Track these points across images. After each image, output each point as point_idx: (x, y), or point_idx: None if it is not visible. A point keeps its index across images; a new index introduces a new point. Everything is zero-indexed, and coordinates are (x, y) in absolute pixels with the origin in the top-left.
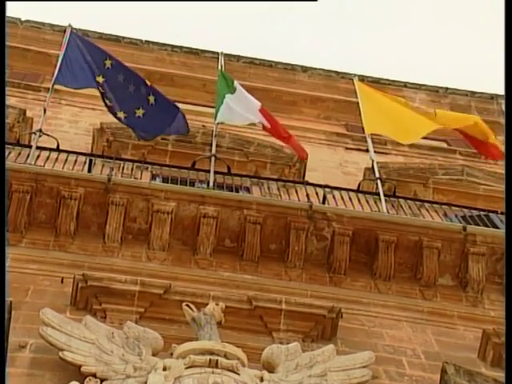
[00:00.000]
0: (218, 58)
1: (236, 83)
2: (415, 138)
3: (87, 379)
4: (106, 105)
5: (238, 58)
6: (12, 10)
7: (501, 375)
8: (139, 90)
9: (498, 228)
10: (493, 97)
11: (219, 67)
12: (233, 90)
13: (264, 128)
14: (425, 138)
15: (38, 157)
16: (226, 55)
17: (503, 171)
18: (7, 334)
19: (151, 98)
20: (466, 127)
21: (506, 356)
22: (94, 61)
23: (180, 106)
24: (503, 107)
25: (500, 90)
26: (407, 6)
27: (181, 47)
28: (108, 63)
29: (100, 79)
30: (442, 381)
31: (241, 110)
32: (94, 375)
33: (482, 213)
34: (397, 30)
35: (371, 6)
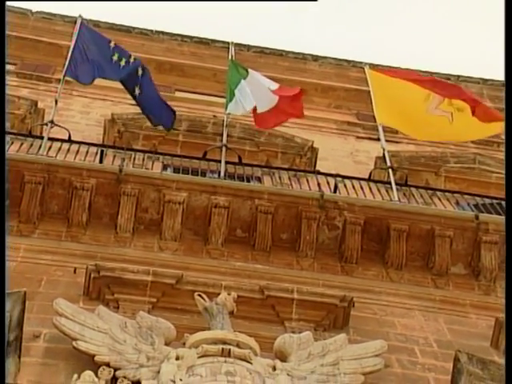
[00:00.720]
0: (228, 48)
1: (249, 70)
2: (426, 137)
3: (101, 368)
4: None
5: (249, 47)
6: (23, 2)
7: None
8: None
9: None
10: (505, 84)
11: (229, 57)
12: (245, 76)
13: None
14: None
15: (50, 148)
16: (237, 45)
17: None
18: (22, 325)
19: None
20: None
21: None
22: (101, 54)
23: (190, 96)
24: None
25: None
26: None
27: (191, 37)
28: (115, 57)
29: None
30: (454, 369)
31: (251, 97)
32: (108, 364)
33: (494, 201)
34: (408, 19)
35: None
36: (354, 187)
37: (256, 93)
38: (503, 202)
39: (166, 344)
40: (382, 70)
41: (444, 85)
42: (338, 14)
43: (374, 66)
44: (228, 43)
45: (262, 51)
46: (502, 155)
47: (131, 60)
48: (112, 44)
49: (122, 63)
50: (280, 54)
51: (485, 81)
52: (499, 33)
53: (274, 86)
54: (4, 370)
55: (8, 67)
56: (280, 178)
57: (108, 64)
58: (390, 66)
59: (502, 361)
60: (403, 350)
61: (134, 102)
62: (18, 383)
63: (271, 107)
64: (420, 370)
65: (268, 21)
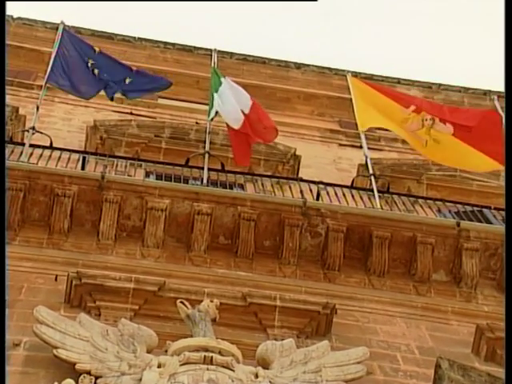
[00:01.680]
0: (211, 55)
1: (223, 80)
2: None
3: (82, 376)
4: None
5: (232, 54)
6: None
7: (494, 369)
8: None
9: (491, 223)
10: (485, 93)
11: (212, 64)
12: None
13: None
14: None
15: (31, 154)
16: (220, 52)
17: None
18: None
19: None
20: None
21: (506, 354)
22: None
23: (173, 103)
24: (496, 103)
25: (492, 85)
26: (400, 2)
27: (174, 44)
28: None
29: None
30: (436, 376)
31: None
32: (89, 372)
33: (475, 208)
34: (390, 27)
35: (364, 3)
36: (336, 194)
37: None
38: (484, 210)
39: (148, 352)
40: (365, 81)
41: (433, 105)
42: (320, 21)
43: (356, 74)
44: (211, 50)
45: (245, 58)
46: None
47: (127, 81)
48: (97, 50)
49: (104, 77)
50: (263, 62)
51: (466, 89)
52: (481, 42)
53: (247, 108)
54: (4, 369)
55: None
56: (263, 185)
57: (88, 76)
58: (373, 74)
59: (482, 367)
60: (385, 356)
61: (117, 108)
62: None
63: (238, 127)
64: (402, 376)
65: (251, 28)
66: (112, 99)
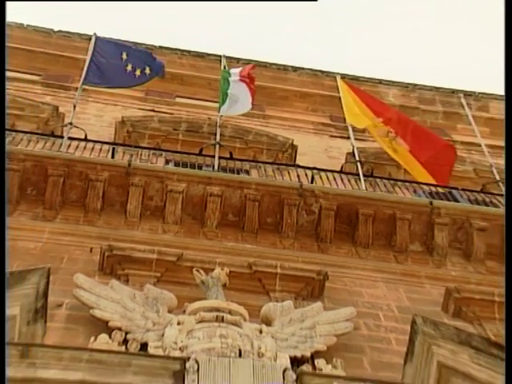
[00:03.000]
0: (220, 60)
1: (232, 73)
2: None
3: (114, 332)
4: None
5: (238, 59)
6: (46, 21)
7: (460, 324)
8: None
9: (458, 202)
10: (454, 91)
11: (221, 68)
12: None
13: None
14: None
15: (69, 146)
16: (228, 57)
17: (463, 154)
18: (47, 295)
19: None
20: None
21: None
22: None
23: (189, 101)
24: (462, 100)
25: (460, 84)
26: (382, 12)
27: (189, 51)
28: (129, 67)
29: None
30: (412, 330)
31: (240, 100)
32: (120, 329)
33: (445, 189)
34: (373, 33)
35: (351, 12)
36: (328, 178)
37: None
38: (453, 191)
39: (169, 312)
40: (350, 85)
41: (400, 120)
42: (314, 29)
43: (344, 76)
44: (220, 56)
45: (249, 63)
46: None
47: (147, 71)
48: (124, 56)
49: (138, 73)
50: (264, 66)
51: (437, 88)
52: (451, 43)
53: (237, 76)
54: (4, 369)
55: (34, 77)
56: (265, 170)
57: (121, 74)
58: (358, 76)
59: (450, 322)
60: (369, 315)
61: (141, 106)
62: (45, 343)
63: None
64: (383, 331)
65: (255, 35)
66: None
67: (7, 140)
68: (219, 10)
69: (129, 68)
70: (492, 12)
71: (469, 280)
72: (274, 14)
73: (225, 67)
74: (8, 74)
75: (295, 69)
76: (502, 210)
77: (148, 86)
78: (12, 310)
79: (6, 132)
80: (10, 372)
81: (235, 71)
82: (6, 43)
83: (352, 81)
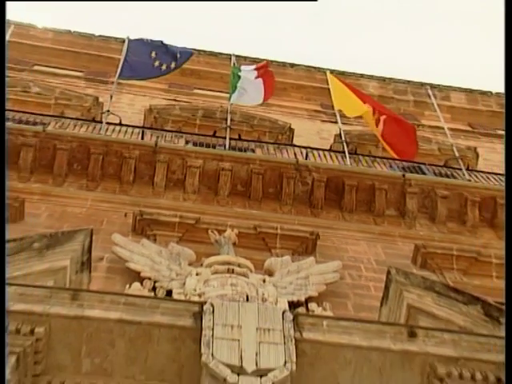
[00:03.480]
0: (230, 58)
1: (243, 70)
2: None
3: (145, 281)
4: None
5: (245, 58)
6: (88, 27)
7: (426, 274)
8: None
9: (426, 174)
10: (422, 84)
11: (232, 64)
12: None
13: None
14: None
15: (107, 129)
16: (236, 56)
17: (430, 136)
18: (90, 251)
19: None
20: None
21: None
22: (143, 62)
23: (205, 92)
24: (429, 91)
25: (427, 78)
26: (367, 14)
27: (205, 51)
28: (156, 63)
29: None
30: (387, 279)
31: (247, 94)
32: (149, 278)
33: (415, 164)
34: (356, 32)
35: (340, 14)
36: (319, 155)
37: (251, 89)
38: (421, 165)
39: (189, 265)
40: (339, 77)
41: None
42: (308, 29)
43: (332, 71)
44: (230, 55)
45: (254, 60)
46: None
47: (172, 65)
48: (153, 55)
49: (164, 67)
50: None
51: (408, 81)
52: (421, 41)
53: (253, 74)
54: (4, 368)
55: (78, 74)
56: (267, 149)
57: (149, 68)
58: (344, 71)
59: (418, 272)
60: (353, 267)
61: (165, 96)
62: (90, 289)
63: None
64: (364, 280)
65: (260, 36)
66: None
67: (57, 125)
68: (229, 12)
69: (156, 63)
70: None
71: (433, 238)
72: (275, 15)
73: (234, 64)
74: (57, 71)
75: (292, 65)
76: (460, 181)
77: (171, 80)
78: (63, 262)
79: (56, 118)
80: (63, 311)
81: (247, 68)
82: (56, 46)
83: (339, 75)
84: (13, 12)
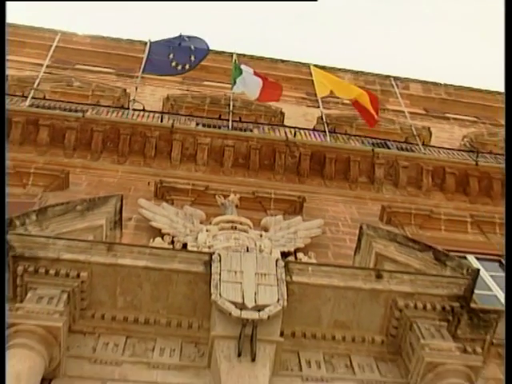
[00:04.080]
0: (232, 55)
1: (243, 69)
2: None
3: (165, 236)
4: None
5: (244, 55)
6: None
7: (390, 228)
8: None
9: (390, 149)
10: (387, 76)
11: (233, 61)
12: (240, 74)
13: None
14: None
15: (133, 114)
16: (238, 54)
17: (393, 118)
18: (121, 212)
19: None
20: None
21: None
22: (162, 61)
23: (212, 83)
24: (392, 82)
25: (391, 71)
26: (343, 13)
27: (211, 50)
28: (173, 63)
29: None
30: (359, 233)
31: (246, 86)
32: (169, 234)
33: (382, 141)
34: (335, 30)
35: (322, 14)
36: (305, 134)
37: (248, 83)
38: (387, 142)
39: (200, 223)
40: (323, 68)
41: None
42: (295, 28)
43: (316, 65)
44: (232, 53)
45: (252, 57)
46: (386, 116)
47: (187, 67)
48: (171, 56)
49: (179, 68)
50: (262, 58)
51: (376, 74)
52: (386, 35)
53: (251, 71)
54: (4, 368)
55: (110, 70)
56: (263, 129)
57: (167, 67)
58: (324, 66)
59: (384, 227)
60: (332, 224)
61: (180, 87)
62: (122, 242)
63: (260, 88)
64: (341, 234)
65: (255, 35)
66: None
67: (94, 112)
68: (232, 12)
69: (173, 64)
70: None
71: (396, 200)
72: (269, 16)
73: (235, 61)
74: (93, 68)
75: (282, 61)
76: (417, 154)
77: (184, 74)
78: (100, 221)
79: (93, 106)
80: (101, 259)
81: (245, 68)
82: (92, 49)
83: (320, 69)
84: (57, 20)
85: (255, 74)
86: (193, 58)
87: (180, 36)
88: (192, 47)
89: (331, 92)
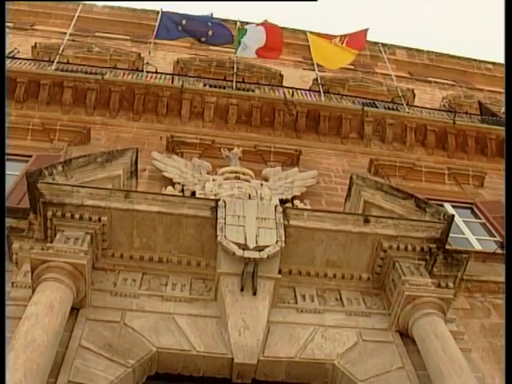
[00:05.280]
0: (236, 23)
1: (248, 27)
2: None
3: (176, 185)
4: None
5: (247, 23)
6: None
7: (377, 178)
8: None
9: (378, 108)
10: (376, 42)
11: (237, 27)
12: (244, 33)
13: (258, 55)
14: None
15: (147, 76)
16: (241, 22)
17: (381, 80)
18: (136, 164)
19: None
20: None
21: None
22: (174, 22)
23: (217, 48)
24: (381, 48)
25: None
26: None
27: (217, 18)
28: (184, 21)
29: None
30: (350, 182)
31: (250, 41)
32: (179, 183)
33: (371, 101)
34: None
35: None
36: (302, 94)
37: (254, 40)
38: (376, 102)
39: (207, 173)
40: (319, 35)
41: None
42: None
43: (312, 32)
44: (236, 21)
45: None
46: (374, 78)
47: (202, 39)
48: (184, 22)
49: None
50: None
51: (366, 41)
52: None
53: (254, 25)
54: (4, 367)
55: (126, 37)
56: (264, 89)
57: (177, 32)
58: (319, 32)
59: (372, 178)
60: (326, 175)
61: (189, 52)
62: (137, 190)
63: (264, 41)
64: (333, 184)
65: (260, 5)
66: (199, 41)
67: (112, 74)
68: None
69: (184, 29)
70: None
71: (383, 154)
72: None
73: (239, 28)
74: (111, 35)
75: (282, 28)
76: (402, 113)
77: (193, 41)
78: (118, 172)
79: (111, 69)
80: (119, 205)
81: (250, 26)
82: (110, 18)
83: (316, 35)
84: None
85: (258, 25)
86: (210, 33)
87: (211, 15)
88: (209, 23)
89: (317, 64)
